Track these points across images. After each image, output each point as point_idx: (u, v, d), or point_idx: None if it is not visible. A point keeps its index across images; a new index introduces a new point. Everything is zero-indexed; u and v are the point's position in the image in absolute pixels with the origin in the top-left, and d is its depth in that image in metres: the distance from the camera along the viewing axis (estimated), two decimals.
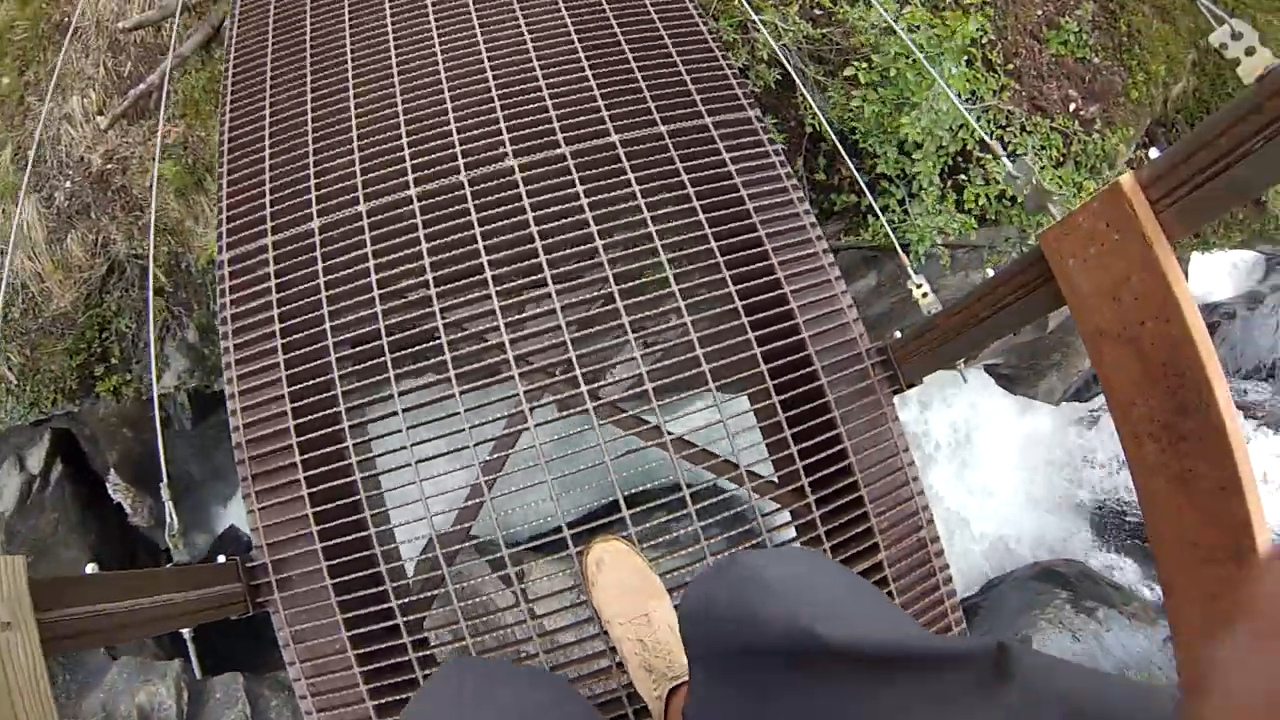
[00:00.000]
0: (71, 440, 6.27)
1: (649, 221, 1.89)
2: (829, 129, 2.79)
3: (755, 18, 2.95)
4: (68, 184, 4.50)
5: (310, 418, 1.86)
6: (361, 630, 1.75)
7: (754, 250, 1.94)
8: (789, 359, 1.91)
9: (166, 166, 4.15)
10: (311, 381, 1.89)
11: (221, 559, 1.83)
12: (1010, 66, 4.15)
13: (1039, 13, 4.49)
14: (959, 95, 3.57)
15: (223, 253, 2.16)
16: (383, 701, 1.70)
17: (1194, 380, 1.21)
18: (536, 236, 1.83)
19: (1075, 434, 6.34)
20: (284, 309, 1.99)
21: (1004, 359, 5.81)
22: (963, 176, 3.73)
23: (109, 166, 4.38)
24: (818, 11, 3.71)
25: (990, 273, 1.70)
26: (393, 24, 2.35)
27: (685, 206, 1.93)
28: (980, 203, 3.62)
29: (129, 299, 4.65)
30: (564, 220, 1.89)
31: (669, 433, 1.97)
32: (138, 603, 1.39)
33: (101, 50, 4.44)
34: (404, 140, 2.05)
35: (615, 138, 1.99)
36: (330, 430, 1.86)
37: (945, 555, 2.04)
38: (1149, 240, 1.21)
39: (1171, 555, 1.27)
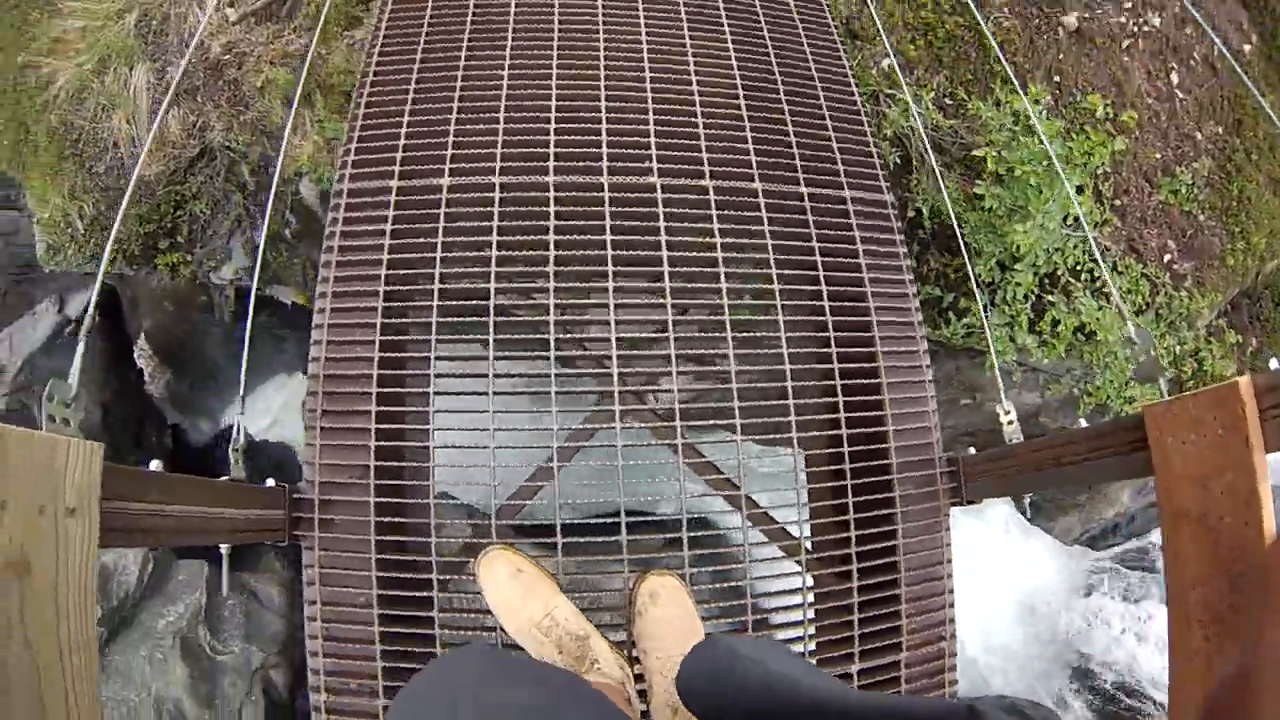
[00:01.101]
0: (114, 299, 6.36)
1: (772, 267, 1.91)
2: (953, 219, 2.80)
3: (908, 100, 2.97)
4: (182, 64, 4.56)
5: (394, 371, 1.88)
6: (393, 591, 1.76)
7: (863, 332, 1.96)
8: (868, 443, 1.92)
9: (280, 73, 4.20)
10: (405, 335, 1.92)
11: (270, 483, 1.85)
12: (1117, 202, 4.14)
13: (1158, 155, 4.48)
14: (1066, 219, 3.58)
15: (343, 182, 2.16)
16: (394, 666, 1.71)
17: (1259, 585, 1.23)
18: (665, 253, 1.86)
19: (1078, 581, 6.27)
20: (394, 255, 2.00)
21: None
22: (1049, 298, 3.72)
23: (226, 57, 4.43)
24: (949, 101, 3.72)
25: (1083, 422, 1.71)
26: (560, 10, 2.38)
27: (808, 270, 1.95)
28: (1058, 329, 3.62)
29: (210, 186, 4.70)
30: (693, 247, 1.91)
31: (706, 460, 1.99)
32: (190, 510, 1.38)
33: None
34: (552, 128, 2.08)
35: (759, 185, 2.02)
36: (411, 389, 1.88)
37: (957, 671, 2.05)
38: (1251, 444, 1.24)
39: None
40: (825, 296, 1.94)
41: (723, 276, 1.86)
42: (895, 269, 2.07)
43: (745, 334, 1.94)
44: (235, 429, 1.88)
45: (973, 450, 2.12)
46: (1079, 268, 3.81)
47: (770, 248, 1.93)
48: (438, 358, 1.87)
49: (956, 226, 2.90)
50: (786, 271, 1.94)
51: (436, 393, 1.84)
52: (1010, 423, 2.14)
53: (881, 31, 3.66)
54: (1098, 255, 2.03)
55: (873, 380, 2.00)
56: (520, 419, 1.85)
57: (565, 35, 2.32)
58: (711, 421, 1.88)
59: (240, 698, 5.69)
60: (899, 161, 3.40)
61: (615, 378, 1.84)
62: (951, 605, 2.04)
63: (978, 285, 3.54)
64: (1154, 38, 4.43)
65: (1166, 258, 4.24)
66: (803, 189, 2.08)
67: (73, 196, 4.97)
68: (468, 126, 2.10)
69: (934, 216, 3.49)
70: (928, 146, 3.57)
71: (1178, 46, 4.49)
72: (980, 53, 4.01)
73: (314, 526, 1.81)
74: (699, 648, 1.31)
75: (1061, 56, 4.24)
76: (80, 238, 5.02)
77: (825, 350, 1.92)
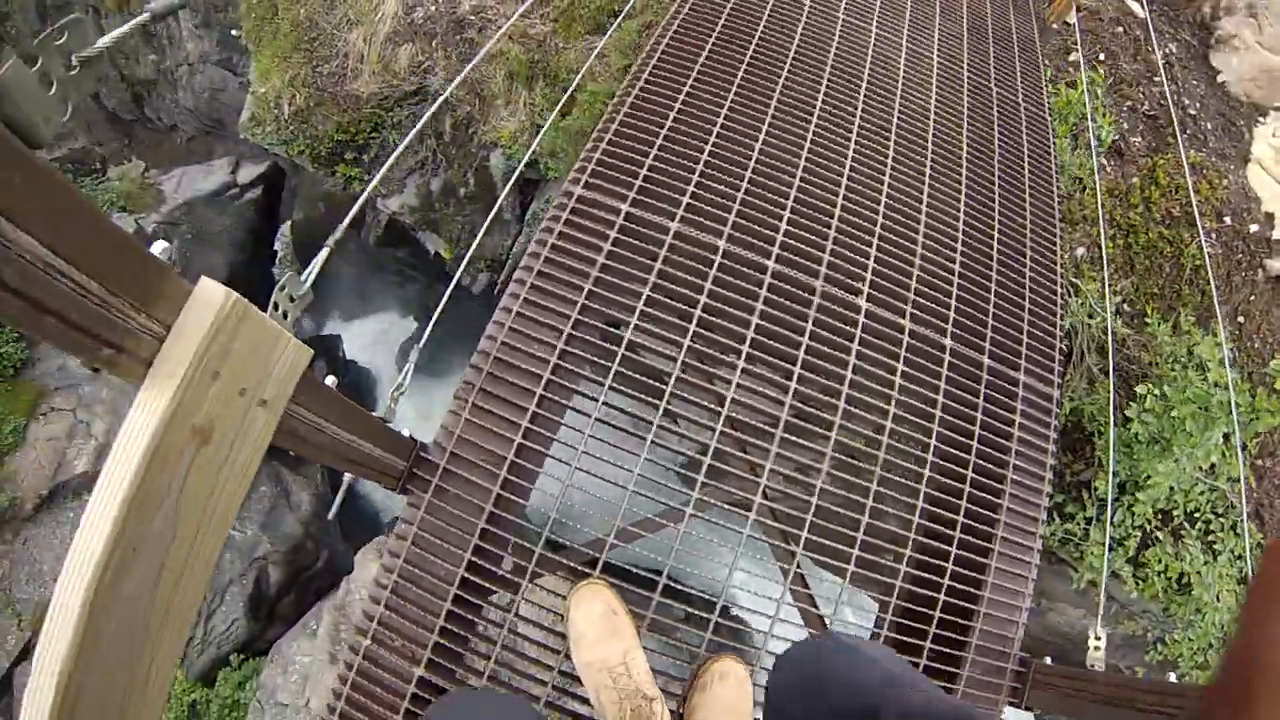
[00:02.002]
0: (279, 181, 6.80)
1: (935, 423, 1.94)
2: (1098, 431, 2.77)
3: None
4: (431, 8, 4.87)
5: (561, 381, 1.95)
6: (477, 582, 1.80)
7: (991, 511, 1.98)
8: (954, 614, 1.93)
9: (515, 49, 4.45)
10: (588, 348, 1.97)
11: (406, 433, 1.89)
12: (1259, 463, 4.00)
13: None
14: (1201, 467, 3.49)
15: (576, 185, 2.23)
16: (446, 645, 1.75)
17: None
18: (850, 365, 1.91)
19: None
20: (602, 275, 2.06)
21: None
22: (1157, 534, 3.61)
23: (471, 18, 4.72)
24: (1128, 308, 3.68)
25: (1173, 678, 1.68)
26: (823, 101, 2.49)
27: (963, 436, 1.98)
28: (1159, 568, 3.51)
29: (409, 122, 4.99)
30: (871, 372, 1.96)
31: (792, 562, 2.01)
32: (340, 434, 1.40)
33: None
34: (786, 215, 2.15)
35: (947, 341, 2.06)
36: (573, 403, 1.95)
37: None
38: None
39: None
40: (971, 468, 1.96)
41: (892, 418, 1.90)
42: (1039, 462, 2.08)
43: (866, 466, 1.97)
44: (403, 374, 1.97)
45: (1049, 660, 2.10)
46: (1197, 514, 3.69)
47: (940, 404, 1.96)
48: (610, 388, 1.93)
49: (1098, 438, 2.88)
50: (944, 430, 1.97)
51: (594, 419, 1.91)
52: (1098, 649, 2.11)
53: (1086, 220, 3.66)
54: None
55: (982, 559, 2.01)
56: (609, 456, 1.88)
57: (820, 130, 2.41)
58: (814, 547, 1.90)
59: (233, 575, 5.92)
60: (1063, 352, 3.38)
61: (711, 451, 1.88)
62: None
63: (1092, 498, 3.47)
64: None
65: None
66: (985, 359, 2.11)
67: (290, 84, 5.33)
68: (710, 182, 2.20)
69: (1072, 415, 3.45)
70: (1093, 347, 3.54)
71: None
72: (1175, 270, 3.95)
73: (428, 489, 1.87)
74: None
75: (1253, 299, 4.14)
76: (282, 120, 5.37)
77: (948, 515, 1.94)
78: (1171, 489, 3.50)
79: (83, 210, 0.67)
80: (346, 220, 1.85)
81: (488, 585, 1.82)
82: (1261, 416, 3.18)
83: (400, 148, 2.34)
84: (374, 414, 1.70)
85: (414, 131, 2.26)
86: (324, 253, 1.47)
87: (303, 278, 1.24)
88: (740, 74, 2.54)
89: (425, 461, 1.90)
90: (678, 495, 1.94)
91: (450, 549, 1.83)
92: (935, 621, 1.93)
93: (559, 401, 1.95)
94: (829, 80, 2.63)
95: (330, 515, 2.03)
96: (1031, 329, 2.27)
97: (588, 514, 1.99)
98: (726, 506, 1.98)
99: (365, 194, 2.04)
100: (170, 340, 0.81)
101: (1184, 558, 3.47)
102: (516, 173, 3.52)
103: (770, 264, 2.03)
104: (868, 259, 2.10)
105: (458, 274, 2.42)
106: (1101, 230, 3.65)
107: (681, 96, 2.41)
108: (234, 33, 6.92)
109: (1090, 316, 3.48)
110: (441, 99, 2.52)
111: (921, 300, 2.11)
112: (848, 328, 1.97)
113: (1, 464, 5.52)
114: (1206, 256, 3.74)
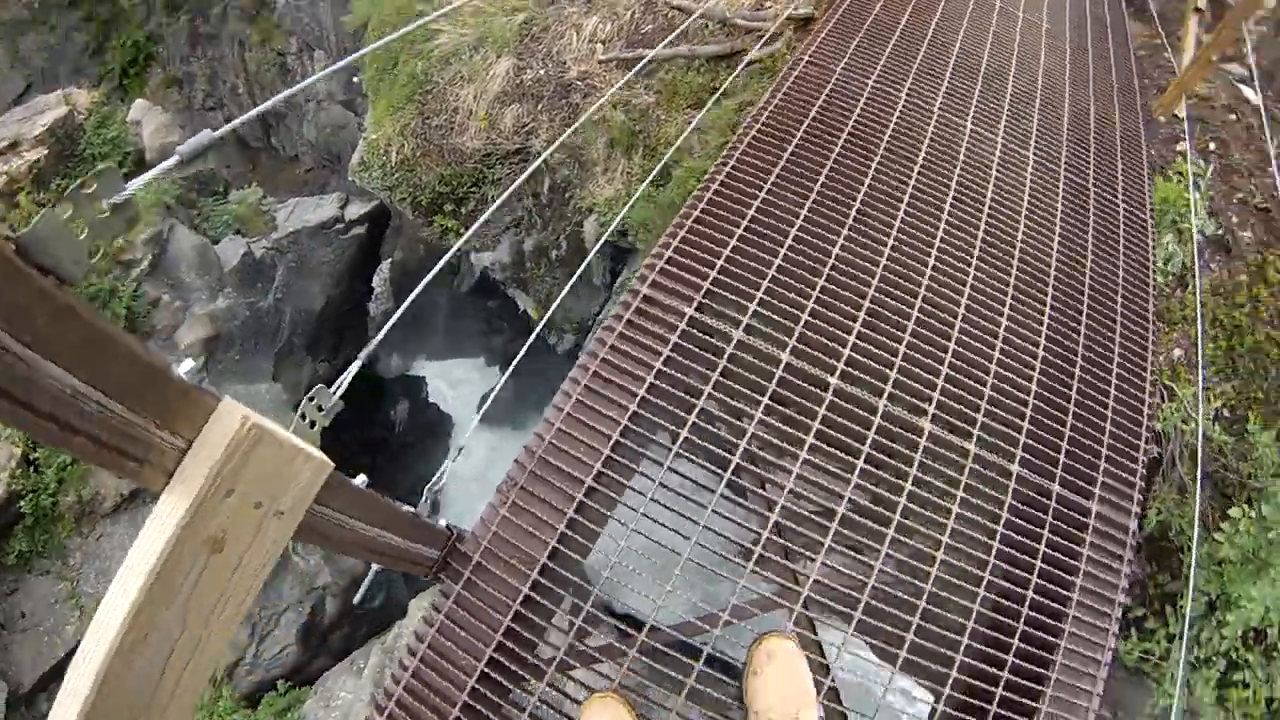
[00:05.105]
0: (384, 221, 7.23)
1: (992, 556, 1.93)
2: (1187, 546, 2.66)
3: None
4: (540, 71, 5.13)
5: (606, 489, 1.96)
6: (499, 679, 1.78)
7: (1044, 649, 1.94)
8: None
9: (617, 116, 4.64)
10: (634, 457, 1.99)
11: (443, 523, 1.92)
12: None
13: None
14: None
15: (643, 284, 2.27)
16: None
17: None
18: (906, 492, 1.93)
19: None
20: (658, 380, 2.08)
21: None
22: (1246, 655, 3.41)
23: (578, 83, 4.94)
24: (1228, 414, 3.51)
25: None
26: (902, 223, 2.52)
27: (1022, 570, 1.96)
28: (1244, 694, 3.29)
29: (508, 179, 5.25)
30: (926, 499, 1.98)
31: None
32: (365, 528, 1.38)
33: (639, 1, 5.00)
34: (854, 332, 2.18)
35: (1015, 469, 2.05)
36: (614, 513, 1.97)
37: None
38: None
39: None
40: (1028, 603, 1.94)
41: (945, 549, 1.90)
42: (1108, 593, 2.02)
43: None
44: (441, 472, 1.98)
45: None
46: None
47: (998, 535, 1.96)
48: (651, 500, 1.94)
49: (1186, 553, 2.75)
50: (1001, 564, 1.96)
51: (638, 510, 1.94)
52: None
53: (1186, 320, 3.51)
54: None
55: (1033, 703, 1.95)
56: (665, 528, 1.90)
57: (902, 235, 2.44)
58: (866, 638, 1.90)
59: (290, 601, 6.09)
60: (1152, 457, 3.26)
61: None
62: None
63: (1176, 614, 3.31)
64: None
65: None
66: (1055, 487, 2.09)
67: (400, 133, 5.69)
68: (778, 290, 2.25)
69: (1160, 524, 3.31)
70: (1186, 454, 3.38)
71: None
72: None
73: (458, 580, 1.89)
74: None
75: None
76: (389, 167, 5.73)
77: (998, 655, 1.91)
78: (1266, 608, 3.31)
79: (111, 341, 0.75)
80: (431, 274, 1.89)
81: (505, 682, 1.81)
82: None
83: (497, 203, 2.45)
84: (404, 508, 1.65)
85: (511, 188, 2.34)
86: (356, 364, 1.51)
87: (332, 389, 1.28)
88: (827, 169, 2.59)
89: (459, 554, 1.92)
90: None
91: (474, 643, 1.84)
92: None
93: (598, 510, 1.97)
94: (917, 180, 2.66)
95: (355, 600, 2.11)
96: (1111, 453, 2.22)
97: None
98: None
99: (456, 248, 2.13)
100: (189, 457, 0.87)
101: (1274, 680, 3.26)
102: (602, 240, 3.67)
103: (833, 380, 2.07)
104: (938, 377, 2.12)
105: (534, 332, 2.49)
106: (1199, 327, 3.51)
107: (764, 192, 2.47)
108: (355, 79, 7.43)
109: (1185, 422, 3.34)
110: (541, 159, 2.65)
111: (991, 424, 2.10)
112: (907, 450, 1.99)
113: None
114: None
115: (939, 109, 3.03)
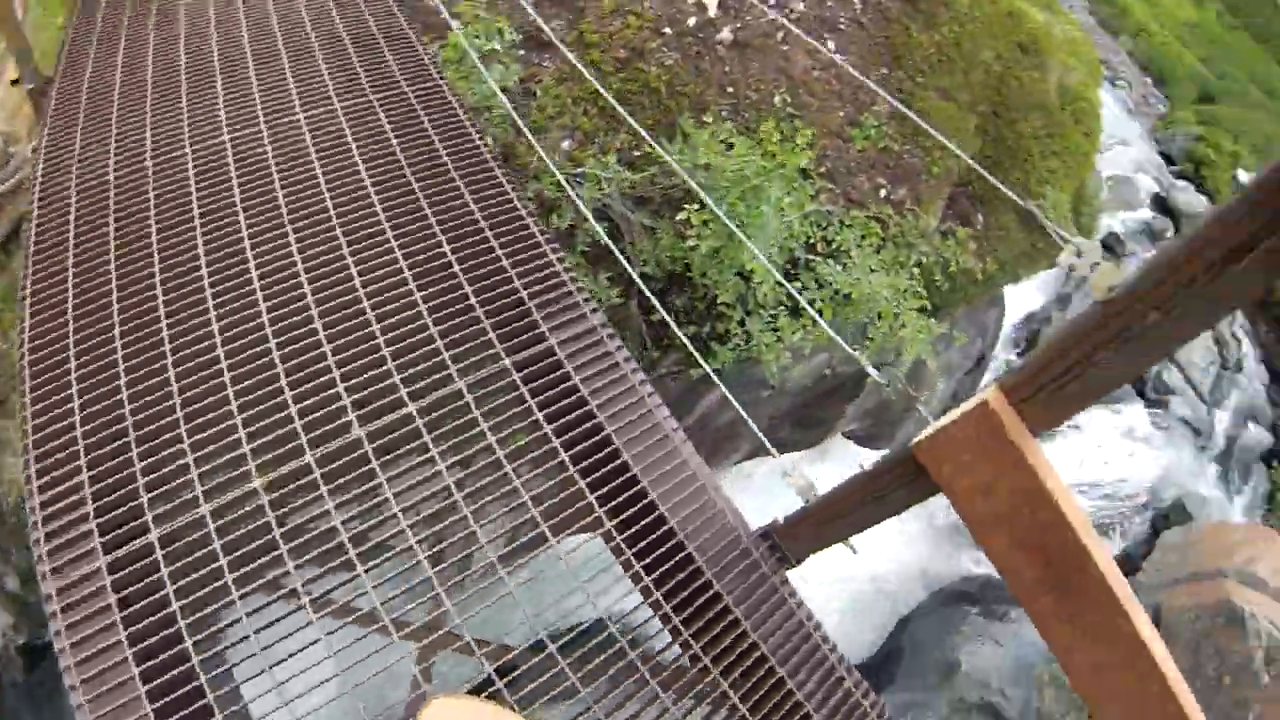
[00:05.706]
0: None
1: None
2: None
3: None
4: None
5: None
6: None
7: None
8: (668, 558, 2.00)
9: None
10: None
11: None
12: (823, 169, 4.49)
13: (840, 114, 4.89)
14: (786, 215, 3.82)
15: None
16: None
17: (1071, 550, 1.36)
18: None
19: None
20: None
21: (859, 424, 6.25)
22: (798, 283, 3.96)
23: None
24: (636, 154, 3.91)
25: (861, 466, 1.83)
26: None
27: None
28: (818, 306, 3.84)
29: None
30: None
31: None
32: None
33: None
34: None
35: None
36: None
37: (855, 672, 2.13)
38: (1017, 445, 1.35)
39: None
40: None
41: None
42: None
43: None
44: None
45: (780, 518, 2.22)
46: (811, 241, 4.09)
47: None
48: None
49: (668, 276, 3.07)
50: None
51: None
52: (804, 484, 2.21)
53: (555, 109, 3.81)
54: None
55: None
56: None
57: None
58: None
59: None
60: (609, 229, 3.53)
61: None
62: (827, 640, 2.13)
63: (730, 305, 3.73)
64: (803, 20, 4.86)
65: (883, 193, 4.64)
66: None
67: None
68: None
69: (659, 265, 3.64)
70: (630, 207, 3.75)
71: (825, 19, 4.95)
72: (652, 98, 4.24)
73: None
74: None
75: (728, 69, 4.56)
76: None
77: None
78: (778, 247, 3.81)
79: None
80: None
81: None
82: (787, 161, 3.51)
83: None
84: None
85: None
86: None
87: None
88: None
89: None
90: None
91: None
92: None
93: None
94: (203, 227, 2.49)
95: None
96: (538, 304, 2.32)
97: None
98: None
99: None
100: None
101: (827, 282, 3.86)
102: None
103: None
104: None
105: None
106: None
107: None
108: None
109: (601, 188, 3.62)
110: None
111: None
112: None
113: None
114: None
115: (191, 144, 2.84)
